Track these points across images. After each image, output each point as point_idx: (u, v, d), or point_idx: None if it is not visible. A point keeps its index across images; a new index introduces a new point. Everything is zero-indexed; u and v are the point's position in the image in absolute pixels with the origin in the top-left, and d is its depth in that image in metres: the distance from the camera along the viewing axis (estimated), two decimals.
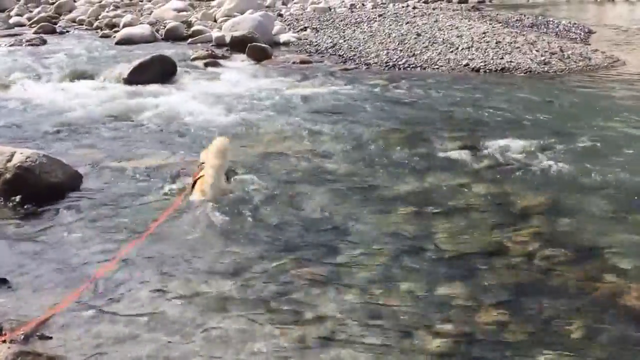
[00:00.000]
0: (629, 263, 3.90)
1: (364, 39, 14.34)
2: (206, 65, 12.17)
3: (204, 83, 10.54)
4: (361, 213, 4.87)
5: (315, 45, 14.65)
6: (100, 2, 23.72)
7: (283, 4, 25.95)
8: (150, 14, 21.30)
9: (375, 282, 3.87)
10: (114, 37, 16.43)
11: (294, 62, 12.54)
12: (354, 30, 15.66)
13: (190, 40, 16.08)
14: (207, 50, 13.46)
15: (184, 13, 20.57)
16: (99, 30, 18.56)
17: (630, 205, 4.79)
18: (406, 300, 3.66)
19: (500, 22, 16.65)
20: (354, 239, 4.46)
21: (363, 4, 24.27)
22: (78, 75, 10.66)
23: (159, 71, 10.57)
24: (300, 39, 15.74)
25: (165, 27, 17.33)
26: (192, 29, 17.11)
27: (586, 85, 9.81)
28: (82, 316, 3.52)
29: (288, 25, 18.05)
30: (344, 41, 14.45)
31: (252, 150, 6.51)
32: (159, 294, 3.74)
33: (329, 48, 14.11)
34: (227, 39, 14.65)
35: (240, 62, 12.68)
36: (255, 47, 13.21)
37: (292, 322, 3.46)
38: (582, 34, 15.60)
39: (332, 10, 22.25)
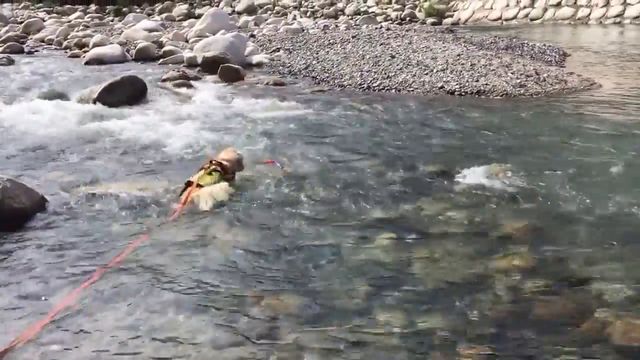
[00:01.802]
0: (615, 294, 3.84)
1: (337, 60, 14.38)
2: (177, 86, 12.08)
3: (175, 104, 10.43)
4: (336, 240, 4.76)
5: (289, 67, 14.67)
6: (70, 21, 23.54)
7: (255, 24, 26.05)
8: (120, 33, 21.21)
9: (352, 314, 3.76)
10: (84, 57, 16.31)
11: (267, 84, 12.51)
12: (328, 51, 15.71)
13: (161, 60, 16.01)
14: (178, 71, 13.36)
15: (155, 33, 20.50)
16: (68, 50, 18.41)
17: (614, 233, 4.74)
18: (385, 333, 3.55)
19: (474, 44, 16.85)
20: (329, 268, 4.34)
21: (336, 25, 24.47)
22: (46, 96, 10.51)
23: (129, 92, 10.44)
24: (274, 60, 15.75)
25: (135, 47, 17.24)
26: (164, 49, 17.06)
27: (564, 108, 9.89)
28: (42, 352, 3.35)
29: (261, 46, 18.08)
30: (318, 62, 14.48)
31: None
32: (123, 327, 3.58)
33: (303, 69, 14.13)
34: (199, 60, 14.60)
35: (212, 83, 12.61)
36: (228, 68, 13.17)
37: (265, 354, 3.34)
38: (557, 56, 15.85)
39: (305, 31, 22.38)
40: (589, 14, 29.29)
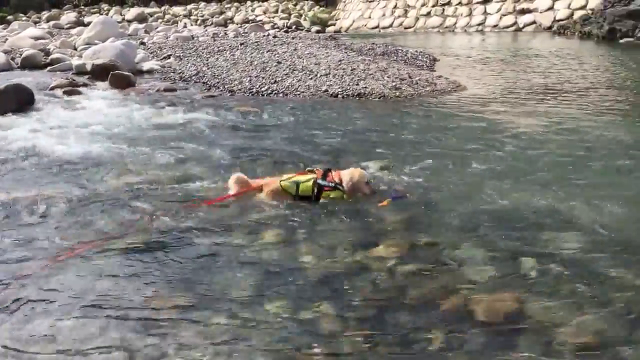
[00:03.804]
0: (478, 276, 4.06)
1: (227, 66, 14.25)
2: (67, 93, 11.48)
3: (64, 112, 9.90)
4: (226, 240, 4.72)
5: (180, 73, 14.37)
6: None
7: (146, 32, 25.25)
8: (4, 41, 19.88)
9: (242, 307, 3.74)
10: None
11: (158, 90, 12.17)
12: (217, 58, 15.53)
13: (49, 68, 15.16)
14: (67, 79, 12.70)
15: (42, 41, 19.41)
16: None
17: (479, 219, 5.00)
18: (273, 323, 3.56)
19: (354, 51, 17.24)
20: (219, 265, 4.30)
21: (225, 33, 24.23)
22: None
23: (14, 101, 9.82)
24: (164, 67, 15.37)
25: (21, 55, 16.21)
26: (51, 57, 16.15)
27: (433, 108, 10.33)
28: None
29: (151, 53, 17.58)
30: (208, 69, 14.29)
31: (117, 181, 6.15)
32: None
33: (193, 75, 13.89)
34: (88, 67, 13.95)
35: (102, 91, 12.09)
36: (118, 75, 12.68)
37: (156, 352, 3.25)
38: (428, 61, 16.53)
39: (195, 38, 22.00)
40: (455, 22, 30.83)
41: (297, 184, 5.29)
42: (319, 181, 5.24)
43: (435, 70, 15.11)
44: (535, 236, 4.61)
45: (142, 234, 4.82)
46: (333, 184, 5.24)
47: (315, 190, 5.24)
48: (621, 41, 21.97)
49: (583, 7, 25.78)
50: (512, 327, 3.47)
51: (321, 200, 5.32)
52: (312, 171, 5.45)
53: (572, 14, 26.11)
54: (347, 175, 5.29)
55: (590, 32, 23.43)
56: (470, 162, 6.63)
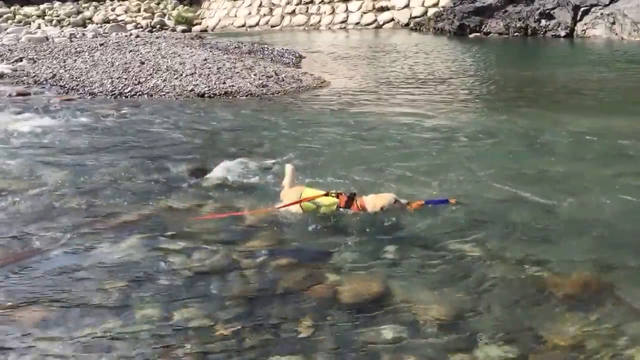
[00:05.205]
0: (343, 262, 4.19)
1: (86, 68, 13.56)
2: None
3: None
4: (92, 243, 4.53)
5: (34, 77, 13.49)
6: None
7: None
8: None
9: (110, 313, 3.61)
10: None
11: (9, 95, 11.35)
12: (75, 60, 14.74)
13: None
14: None
15: None
16: None
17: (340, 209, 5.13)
18: (143, 328, 3.46)
19: (220, 49, 17.08)
20: (86, 272, 4.12)
21: (83, 34, 23.03)
22: None
23: None
24: (17, 70, 14.33)
25: None
26: None
27: (300, 104, 10.49)
28: None
29: (1, 56, 16.32)
30: (65, 71, 13.51)
31: None
32: None
33: (49, 79, 13.09)
34: None
35: None
36: None
37: None
38: (294, 58, 16.74)
39: (50, 40, 20.70)
40: (320, 20, 31.47)
41: (318, 206, 4.93)
42: (342, 209, 4.88)
43: (301, 67, 15.34)
44: (395, 221, 4.79)
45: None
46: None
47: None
48: (470, 36, 23.58)
49: (436, 5, 27.34)
50: (377, 308, 3.62)
51: None
52: (336, 195, 4.94)
53: (426, 11, 27.61)
54: (371, 202, 4.85)
55: (443, 28, 24.90)
56: (339, 153, 6.82)
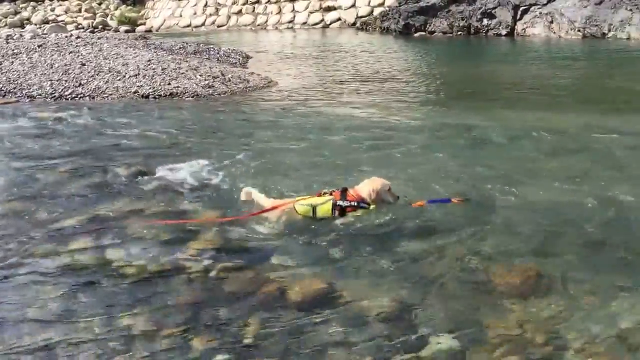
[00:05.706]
0: (291, 262, 4.18)
1: (24, 70, 13.08)
2: None
3: None
4: (31, 251, 4.38)
5: None
6: None
7: None
8: None
9: (51, 322, 3.49)
10: None
11: None
12: (13, 62, 14.18)
13: None
14: None
15: None
16: None
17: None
18: (86, 336, 3.35)
19: (165, 50, 16.77)
20: (25, 280, 3.99)
21: (21, 35, 22.29)
22: None
23: None
24: None
25: None
26: None
27: (247, 105, 10.44)
28: None
29: None
30: (2, 74, 12.99)
31: None
32: None
33: None
34: None
35: None
36: None
37: None
38: (241, 59, 16.61)
39: None
40: (267, 20, 31.35)
41: (314, 207, 4.85)
42: (339, 203, 4.82)
43: (248, 68, 15.25)
44: (341, 220, 4.75)
45: None
46: (355, 204, 4.82)
47: (337, 213, 4.78)
48: (416, 35, 23.93)
49: (382, 5, 27.63)
50: (324, 306, 3.62)
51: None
52: (329, 193, 4.88)
53: (372, 11, 27.88)
54: (365, 188, 4.83)
55: (389, 28, 25.17)
56: (284, 153, 6.79)
